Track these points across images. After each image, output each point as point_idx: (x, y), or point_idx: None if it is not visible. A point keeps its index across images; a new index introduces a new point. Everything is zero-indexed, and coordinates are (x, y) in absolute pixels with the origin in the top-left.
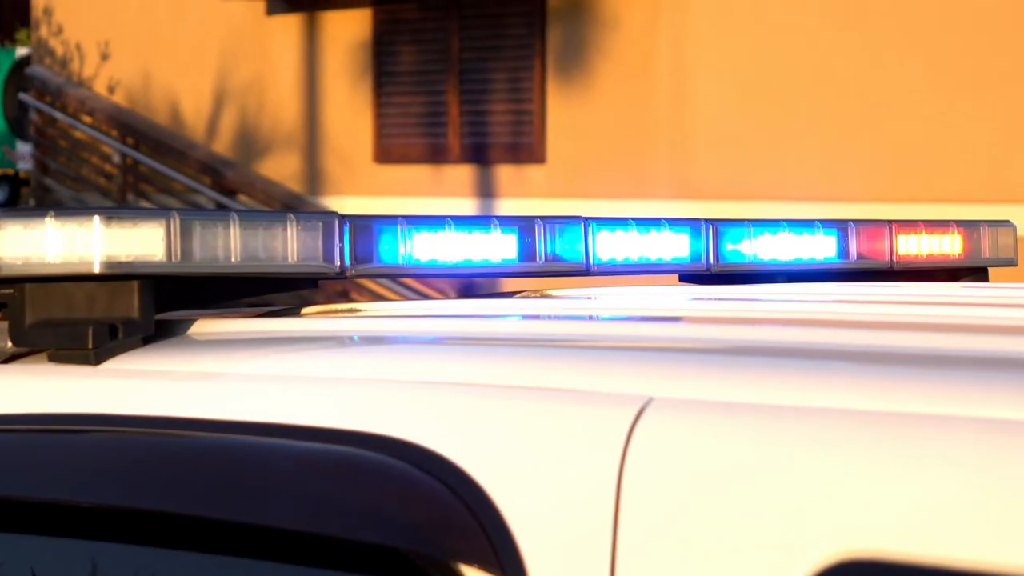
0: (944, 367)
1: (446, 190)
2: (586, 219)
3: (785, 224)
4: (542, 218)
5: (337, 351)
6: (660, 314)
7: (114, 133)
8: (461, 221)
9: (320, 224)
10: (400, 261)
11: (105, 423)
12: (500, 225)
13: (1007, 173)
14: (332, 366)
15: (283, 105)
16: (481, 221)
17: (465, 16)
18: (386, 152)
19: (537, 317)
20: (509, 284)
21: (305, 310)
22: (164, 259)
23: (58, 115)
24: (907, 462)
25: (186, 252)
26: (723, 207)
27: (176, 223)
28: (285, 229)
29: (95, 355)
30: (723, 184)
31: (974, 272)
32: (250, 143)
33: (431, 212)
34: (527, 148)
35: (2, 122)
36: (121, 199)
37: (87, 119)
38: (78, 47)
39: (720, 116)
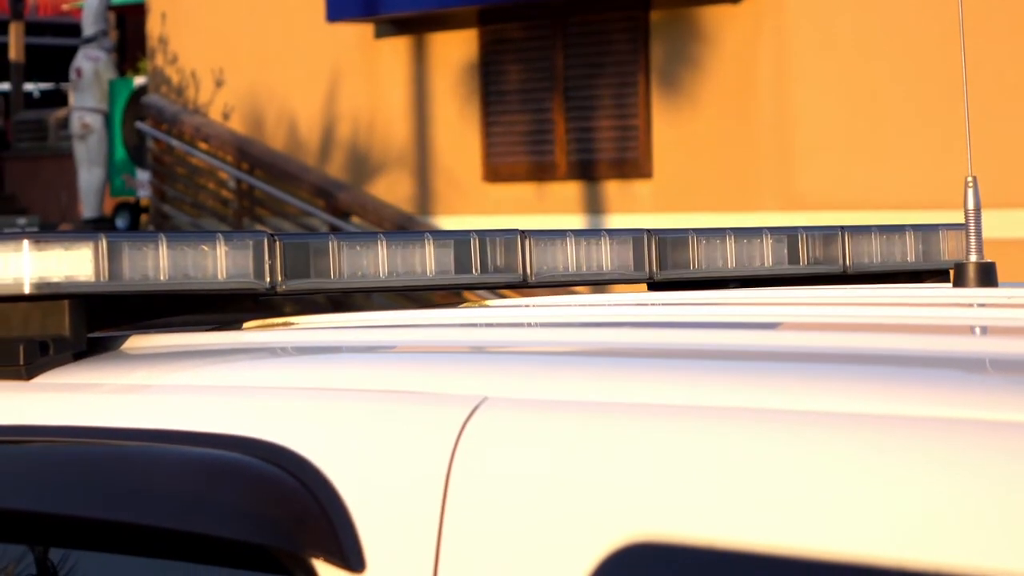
0: (755, 361)
1: (554, 207)
2: (523, 232)
3: (731, 232)
4: (478, 232)
5: (238, 362)
6: (556, 320)
7: (229, 159)
8: (393, 236)
9: (250, 242)
10: (333, 276)
11: (32, 433)
12: (434, 239)
13: None
14: (227, 375)
15: (393, 126)
16: (414, 236)
17: (569, 33)
18: (494, 171)
19: (442, 326)
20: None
21: (246, 324)
22: (93, 279)
23: (174, 142)
24: (696, 450)
25: (115, 272)
26: (827, 217)
27: (104, 244)
28: (215, 247)
29: (26, 371)
30: (827, 194)
31: (936, 275)
32: (362, 165)
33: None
34: (633, 163)
35: (121, 150)
36: (237, 223)
37: (203, 145)
38: (193, 75)
39: (822, 127)
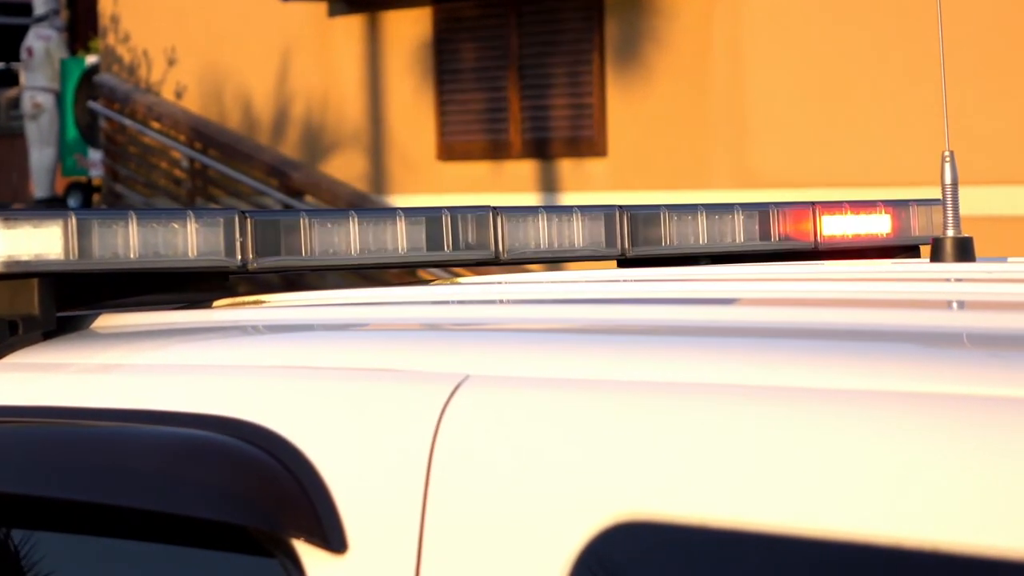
0: (737, 337)
1: (508, 186)
2: (495, 208)
3: (702, 208)
4: (449, 208)
5: (211, 341)
6: (532, 297)
7: (182, 138)
8: (365, 213)
9: (221, 220)
10: (304, 254)
11: (1, 414)
12: (405, 216)
13: None
14: (200, 354)
15: (347, 105)
16: (386, 212)
17: (523, 12)
18: (449, 149)
19: (417, 304)
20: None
21: (216, 303)
22: (62, 257)
23: (127, 122)
24: (680, 428)
25: (84, 250)
26: (783, 194)
27: (73, 222)
28: (185, 225)
29: None
30: (783, 172)
31: (907, 251)
32: (315, 144)
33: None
34: (588, 141)
35: (73, 130)
36: (190, 203)
37: (156, 125)
38: (145, 53)
39: (778, 104)
